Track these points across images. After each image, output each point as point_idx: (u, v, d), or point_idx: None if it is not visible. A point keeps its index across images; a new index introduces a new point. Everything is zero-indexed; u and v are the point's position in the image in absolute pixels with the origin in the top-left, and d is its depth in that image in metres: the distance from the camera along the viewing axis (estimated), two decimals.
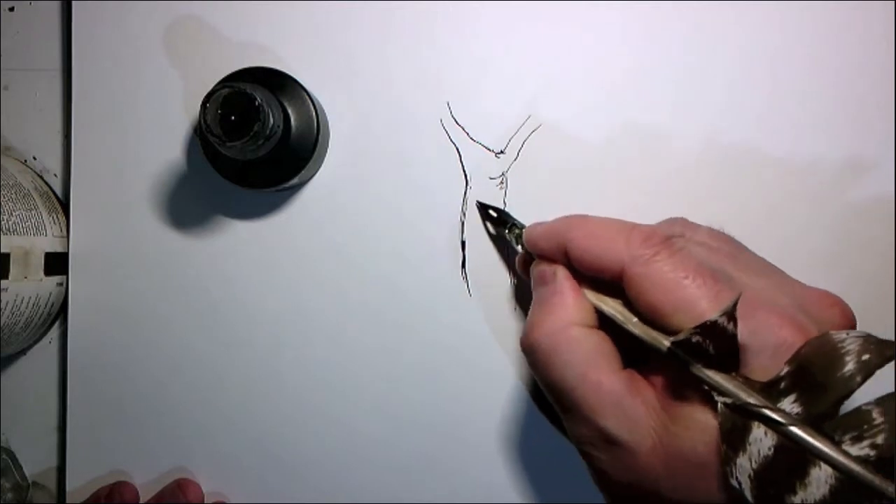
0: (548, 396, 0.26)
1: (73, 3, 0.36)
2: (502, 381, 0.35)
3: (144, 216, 0.36)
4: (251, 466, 0.36)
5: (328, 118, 0.35)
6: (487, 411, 0.35)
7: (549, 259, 0.28)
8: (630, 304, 0.25)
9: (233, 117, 0.28)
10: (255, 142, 0.28)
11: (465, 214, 0.35)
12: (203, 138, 0.34)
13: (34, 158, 0.38)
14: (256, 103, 0.28)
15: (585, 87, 0.34)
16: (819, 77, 0.33)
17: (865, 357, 0.20)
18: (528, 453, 0.35)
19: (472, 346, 0.35)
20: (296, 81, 0.33)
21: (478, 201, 0.34)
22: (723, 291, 0.23)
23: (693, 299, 0.23)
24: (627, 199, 0.34)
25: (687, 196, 0.34)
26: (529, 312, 0.27)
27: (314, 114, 0.33)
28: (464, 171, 0.35)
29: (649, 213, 0.34)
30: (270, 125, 0.29)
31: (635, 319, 0.25)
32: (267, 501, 0.36)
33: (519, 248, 0.31)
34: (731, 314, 0.21)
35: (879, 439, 0.19)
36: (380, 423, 0.35)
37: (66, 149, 0.37)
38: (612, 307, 0.26)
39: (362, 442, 0.35)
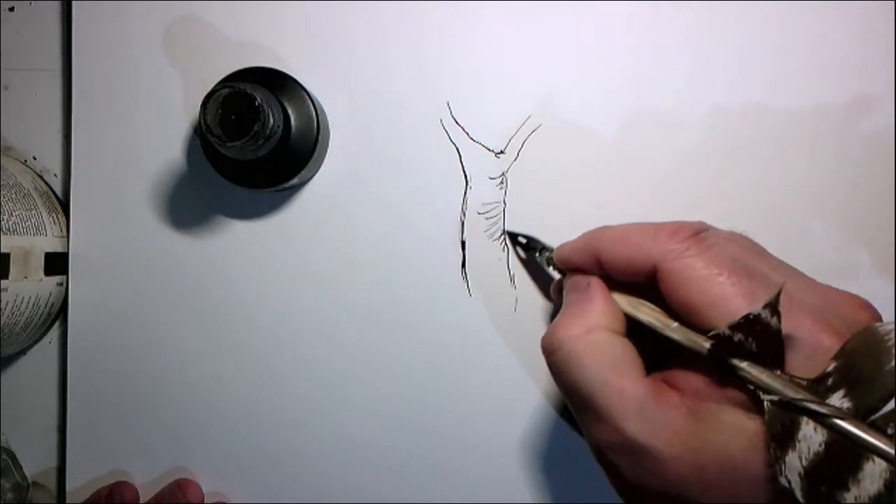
0: (566, 399, 0.26)
1: (73, 3, 0.36)
2: (503, 380, 0.35)
3: (144, 216, 0.36)
4: (251, 466, 0.36)
5: (328, 118, 0.35)
6: (488, 411, 0.35)
7: (583, 272, 0.28)
8: (667, 310, 0.25)
9: (233, 117, 0.28)
10: (255, 142, 0.28)
11: (465, 214, 0.35)
12: (203, 138, 0.34)
13: (34, 158, 0.38)
14: (256, 103, 0.28)
15: (585, 87, 0.34)
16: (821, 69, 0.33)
17: None
18: (528, 453, 0.35)
19: (472, 346, 0.35)
20: (296, 81, 0.33)
21: (507, 231, 0.34)
22: (758, 290, 0.22)
23: (729, 296, 0.23)
24: (628, 199, 0.34)
25: (688, 195, 0.34)
26: (556, 316, 0.27)
27: (314, 114, 0.33)
28: (464, 171, 0.35)
29: (650, 213, 0.34)
30: (270, 125, 0.29)
31: (675, 325, 0.24)
32: (267, 501, 0.36)
33: (551, 269, 0.31)
34: (774, 307, 0.21)
35: None
36: (379, 423, 0.35)
37: (66, 149, 0.37)
38: (648, 314, 0.25)
39: (362, 442, 0.35)
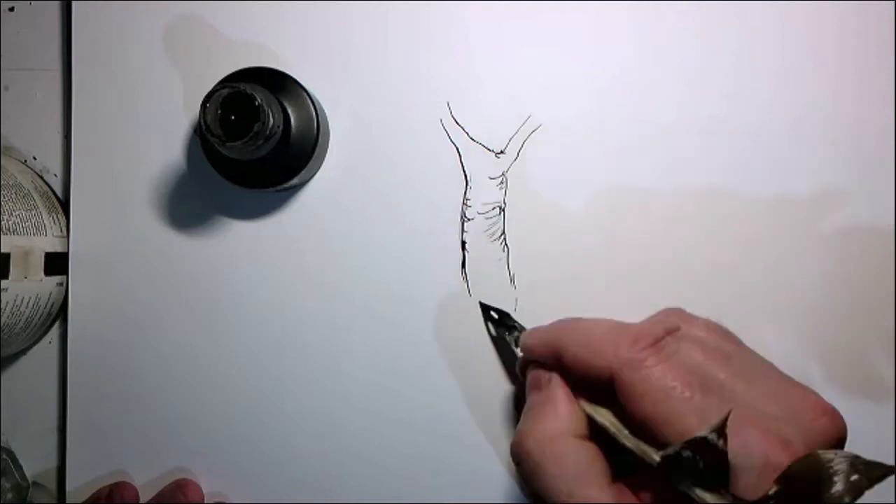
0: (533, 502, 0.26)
1: (73, 3, 0.36)
2: (503, 380, 0.35)
3: (144, 216, 0.36)
4: (251, 466, 0.36)
5: (328, 118, 0.35)
6: (488, 411, 0.35)
7: (545, 365, 0.28)
8: (623, 414, 0.25)
9: (233, 117, 0.28)
10: (255, 142, 0.28)
11: (465, 214, 0.35)
12: (203, 138, 0.34)
13: (34, 158, 0.38)
14: (256, 103, 0.28)
15: (586, 87, 0.34)
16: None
17: (854, 478, 0.20)
18: None
19: (472, 346, 0.35)
20: (296, 81, 0.33)
21: (480, 302, 0.34)
22: (711, 407, 0.23)
23: (680, 414, 0.23)
24: (628, 199, 0.34)
25: (688, 194, 0.34)
26: (521, 418, 0.28)
27: (314, 114, 0.33)
28: (464, 171, 0.35)
29: (651, 212, 0.34)
30: (270, 125, 0.29)
31: (626, 432, 0.25)
32: (267, 501, 0.36)
33: (518, 351, 0.31)
34: (720, 431, 0.21)
35: None
36: (379, 423, 0.35)
37: (66, 149, 0.37)
38: (605, 418, 0.26)
39: (362, 442, 0.35)
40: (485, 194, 0.35)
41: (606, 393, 0.26)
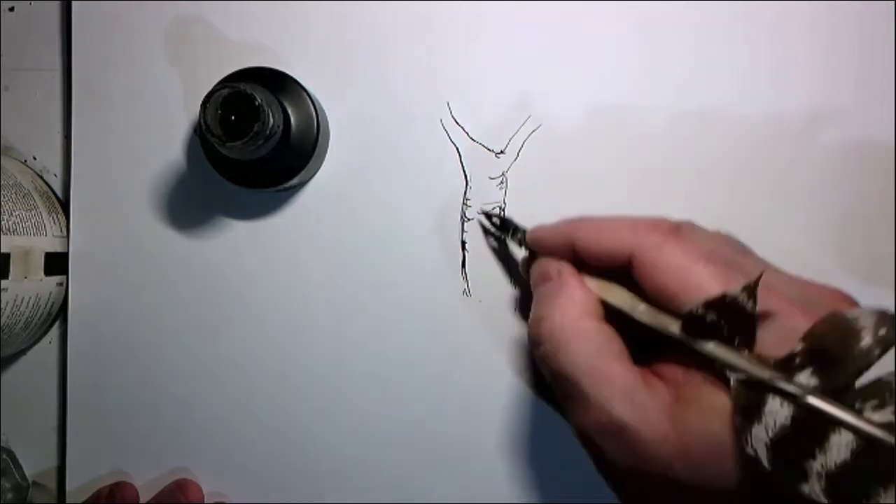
0: (554, 387, 0.26)
1: (73, 3, 0.36)
2: (503, 380, 0.35)
3: (144, 216, 0.36)
4: (251, 466, 0.36)
5: (328, 118, 0.35)
6: (488, 411, 0.35)
7: (554, 256, 0.28)
8: (636, 294, 0.25)
9: (233, 117, 0.28)
10: (255, 142, 0.28)
11: (465, 214, 0.35)
12: (203, 138, 0.34)
13: (34, 158, 0.38)
14: (256, 103, 0.28)
15: (586, 87, 0.34)
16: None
17: (882, 332, 0.20)
18: (529, 453, 0.35)
19: (472, 345, 0.35)
20: (296, 81, 0.33)
21: (482, 209, 0.34)
22: (734, 279, 0.23)
23: (704, 283, 0.23)
24: (628, 199, 0.34)
25: (689, 194, 0.34)
26: (534, 307, 0.27)
27: (314, 114, 0.33)
28: (464, 171, 0.35)
29: (652, 212, 0.34)
30: (270, 125, 0.29)
31: (643, 307, 0.25)
32: (267, 501, 0.36)
33: (522, 249, 0.31)
34: (752, 291, 0.21)
35: None
36: (379, 422, 0.35)
37: (66, 149, 0.37)
38: (618, 297, 0.26)
39: (362, 442, 0.35)
40: (485, 194, 0.35)
41: (616, 277, 0.26)
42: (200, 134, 0.35)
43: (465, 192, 0.35)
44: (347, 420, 0.35)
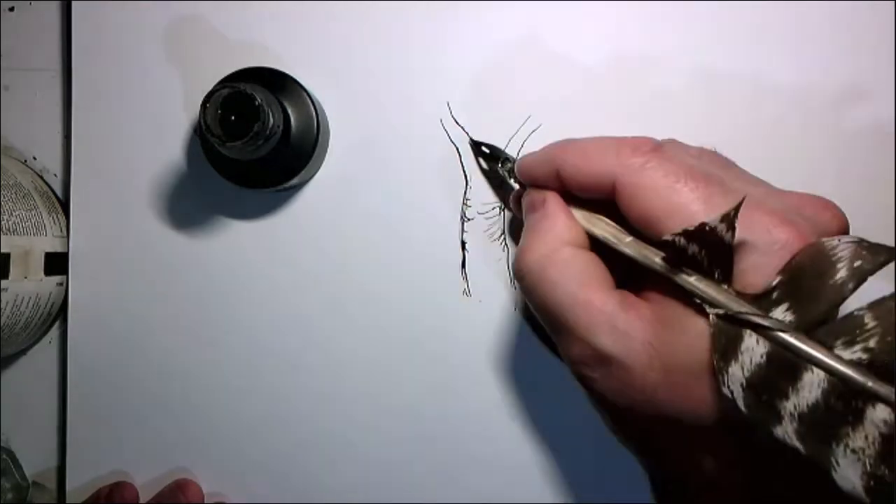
0: (541, 320, 0.26)
1: (73, 3, 0.36)
2: (503, 380, 0.35)
3: (144, 216, 0.36)
4: (251, 466, 0.36)
5: (328, 118, 0.35)
6: (488, 411, 0.35)
7: (542, 186, 0.28)
8: (623, 225, 0.25)
9: (233, 117, 0.28)
10: (255, 142, 0.28)
11: (465, 214, 0.35)
12: (203, 138, 0.34)
13: (34, 158, 0.38)
14: (256, 103, 0.28)
15: (586, 87, 0.34)
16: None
17: (857, 263, 0.20)
18: (527, 452, 0.35)
19: (471, 345, 0.35)
20: (296, 81, 0.33)
21: (471, 139, 0.34)
22: (715, 194, 0.22)
23: (686, 203, 0.22)
24: None
25: None
26: (520, 240, 0.27)
27: (314, 114, 0.33)
28: (464, 171, 0.35)
29: None
30: (270, 125, 0.29)
31: (628, 239, 0.24)
32: (267, 501, 0.36)
33: (512, 182, 0.31)
34: (729, 221, 0.21)
35: (872, 343, 0.20)
36: (378, 423, 0.35)
37: (66, 149, 0.37)
38: (603, 229, 0.25)
39: (361, 442, 0.35)
40: (485, 194, 0.35)
41: (604, 208, 0.25)
42: (200, 134, 0.35)
43: (465, 192, 0.35)
44: (347, 420, 0.35)
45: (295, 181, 0.33)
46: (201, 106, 0.28)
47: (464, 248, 0.35)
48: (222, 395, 0.36)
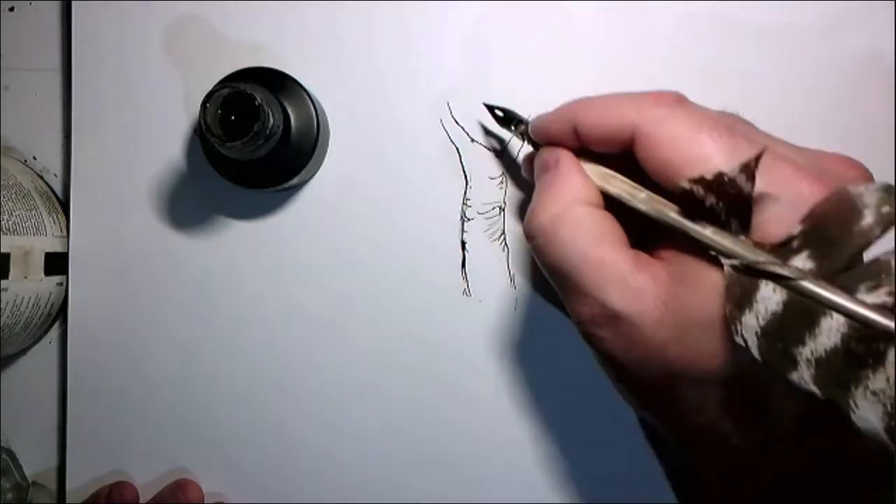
0: (551, 281, 0.26)
1: (73, 3, 0.36)
2: (503, 380, 0.35)
3: (144, 216, 0.36)
4: (251, 466, 0.36)
5: (328, 118, 0.35)
6: (488, 412, 0.35)
7: (556, 144, 0.27)
8: (637, 179, 0.24)
9: (233, 117, 0.28)
10: (255, 142, 0.28)
11: (465, 214, 0.35)
12: (203, 138, 0.34)
13: (34, 158, 0.38)
14: (256, 103, 0.28)
15: (586, 87, 0.34)
16: None
17: (885, 209, 0.20)
18: (527, 452, 0.35)
19: (471, 345, 0.35)
20: (296, 81, 0.33)
21: (484, 103, 0.33)
22: (740, 146, 0.22)
23: (709, 153, 0.22)
24: None
25: None
26: (532, 200, 0.26)
27: (314, 114, 0.33)
28: (464, 171, 0.35)
29: None
30: (270, 125, 0.29)
31: (643, 195, 0.24)
32: (267, 501, 0.36)
33: (525, 143, 0.30)
34: (749, 169, 0.20)
35: None
36: (379, 422, 0.35)
37: (66, 149, 0.37)
38: (617, 186, 0.25)
39: (361, 442, 0.35)
40: (485, 194, 0.35)
41: (619, 167, 0.25)
42: (200, 134, 0.35)
43: (465, 192, 0.35)
44: (347, 420, 0.35)
45: (295, 181, 0.33)
46: (201, 106, 0.28)
47: (464, 248, 0.35)
48: (222, 394, 0.36)
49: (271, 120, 0.29)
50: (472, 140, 0.34)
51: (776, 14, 0.33)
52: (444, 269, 0.35)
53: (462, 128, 0.34)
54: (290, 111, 0.32)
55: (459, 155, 0.35)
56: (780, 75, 0.33)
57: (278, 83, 0.33)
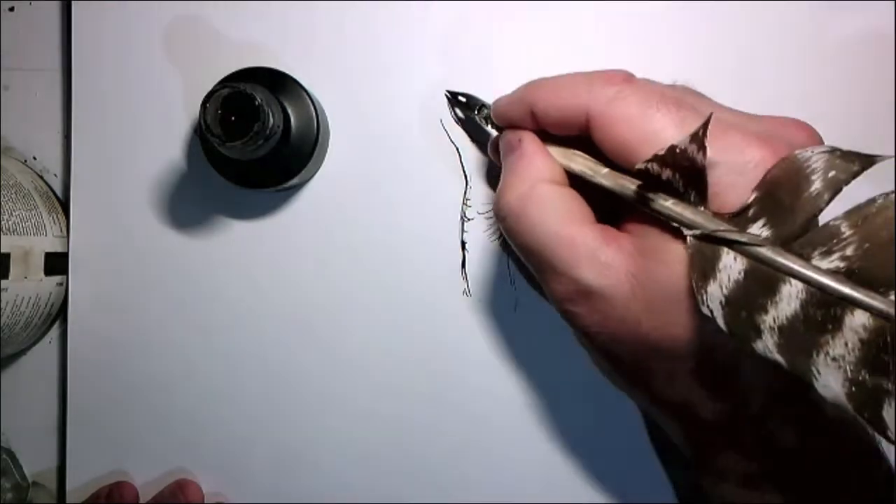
0: (524, 261, 0.26)
1: (73, 3, 0.36)
2: (502, 380, 0.35)
3: (144, 216, 0.36)
4: (251, 466, 0.36)
5: (328, 118, 0.35)
6: (488, 411, 0.35)
7: (518, 127, 0.28)
8: (600, 160, 0.25)
9: (233, 117, 0.28)
10: (255, 142, 0.28)
11: (465, 214, 0.35)
12: (203, 138, 0.34)
13: (34, 158, 0.38)
14: (256, 103, 0.28)
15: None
16: None
17: (832, 174, 0.20)
18: (527, 452, 0.35)
19: (471, 345, 0.35)
20: (296, 81, 0.33)
21: (447, 90, 0.33)
22: (688, 118, 0.22)
23: (659, 129, 0.22)
24: None
25: None
26: (500, 181, 0.27)
27: (314, 114, 0.33)
28: (464, 171, 0.35)
29: None
30: (270, 125, 0.29)
31: (604, 171, 0.24)
32: (267, 501, 0.36)
33: (489, 128, 0.31)
34: (699, 140, 0.20)
35: (849, 251, 0.20)
36: (379, 422, 0.35)
37: (66, 149, 0.37)
38: (579, 163, 0.25)
39: (362, 441, 0.35)
40: (485, 194, 0.35)
41: (580, 146, 0.25)
42: (200, 134, 0.35)
43: (465, 192, 0.35)
44: (347, 420, 0.35)
45: (295, 181, 0.33)
46: (201, 106, 0.28)
47: (464, 248, 0.35)
48: (223, 394, 0.36)
49: (271, 120, 0.29)
50: (472, 140, 0.34)
51: None
52: (444, 269, 0.35)
53: (462, 128, 0.34)
54: (290, 111, 0.32)
55: (459, 155, 0.35)
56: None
57: (278, 83, 0.33)
